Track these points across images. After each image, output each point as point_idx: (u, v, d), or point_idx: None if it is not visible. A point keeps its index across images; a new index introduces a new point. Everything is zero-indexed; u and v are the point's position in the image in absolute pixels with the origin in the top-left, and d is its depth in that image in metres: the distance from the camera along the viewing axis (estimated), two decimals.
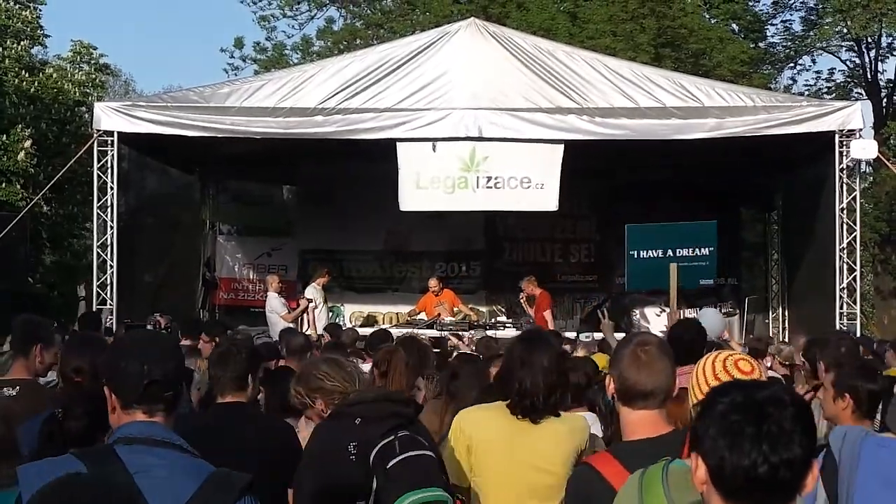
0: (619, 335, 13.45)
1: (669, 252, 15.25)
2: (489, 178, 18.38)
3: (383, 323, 21.75)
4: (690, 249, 15.50)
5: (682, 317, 14.47)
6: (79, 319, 13.92)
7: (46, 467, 3.65)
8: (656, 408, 4.23)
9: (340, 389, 5.47)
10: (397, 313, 23.07)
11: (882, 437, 5.14)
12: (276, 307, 19.43)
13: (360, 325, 20.10)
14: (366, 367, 9.11)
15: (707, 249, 15.58)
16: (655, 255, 15.48)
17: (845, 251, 17.96)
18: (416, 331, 17.78)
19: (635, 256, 15.78)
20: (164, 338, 4.01)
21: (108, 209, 18.55)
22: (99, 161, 18.51)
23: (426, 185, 18.49)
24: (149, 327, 13.41)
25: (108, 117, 18.41)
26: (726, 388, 2.87)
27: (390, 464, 4.58)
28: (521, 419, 5.30)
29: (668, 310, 15.42)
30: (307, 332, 17.07)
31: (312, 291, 19.75)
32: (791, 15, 40.18)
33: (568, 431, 5.30)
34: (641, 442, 4.18)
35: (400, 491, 4.52)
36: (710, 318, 10.95)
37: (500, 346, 12.96)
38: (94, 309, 18.10)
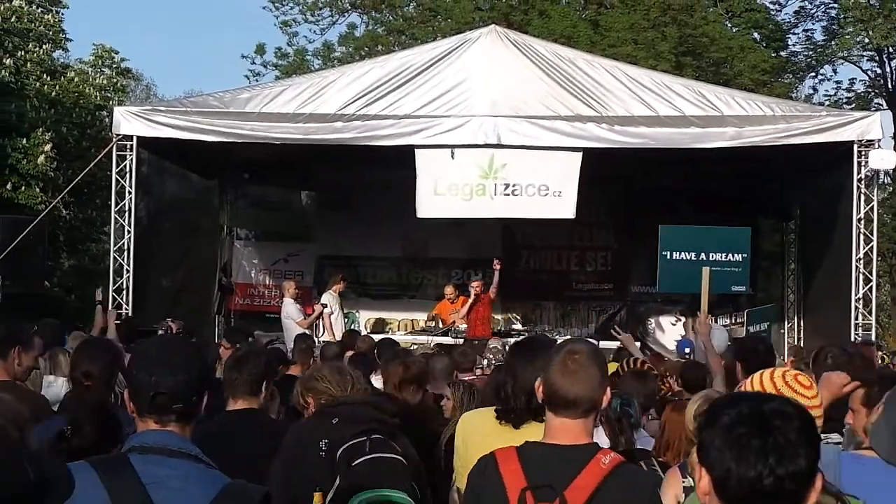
0: (637, 344, 13.48)
1: (703, 256, 15.21)
2: (507, 186, 18.35)
3: (397, 329, 21.75)
4: (724, 255, 15.47)
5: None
6: (118, 325, 13.90)
7: None
8: (579, 417, 4.17)
9: (331, 392, 5.52)
10: (412, 320, 23.04)
11: (857, 453, 5.07)
12: (291, 313, 19.44)
13: (372, 332, 20.04)
14: (374, 378, 9.12)
15: (741, 256, 15.56)
16: (689, 257, 15.44)
17: (862, 261, 17.86)
18: (432, 338, 17.80)
19: (668, 258, 15.75)
20: (180, 347, 3.96)
21: (126, 213, 18.57)
22: (117, 165, 18.54)
23: (444, 192, 18.48)
24: (160, 332, 13.36)
25: (128, 122, 18.45)
26: (732, 399, 2.88)
27: (356, 462, 4.62)
28: (504, 424, 5.29)
29: (683, 319, 15.45)
30: (325, 338, 17.08)
31: (329, 298, 19.76)
32: (812, 24, 40.06)
33: None
34: (551, 447, 4.17)
35: (357, 489, 4.56)
36: (715, 336, 10.99)
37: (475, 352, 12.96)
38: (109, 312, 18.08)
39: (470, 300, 20.14)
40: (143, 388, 3.69)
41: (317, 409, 5.32)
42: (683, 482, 5.62)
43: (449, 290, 20.96)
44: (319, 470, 4.73)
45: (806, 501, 2.71)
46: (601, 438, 7.07)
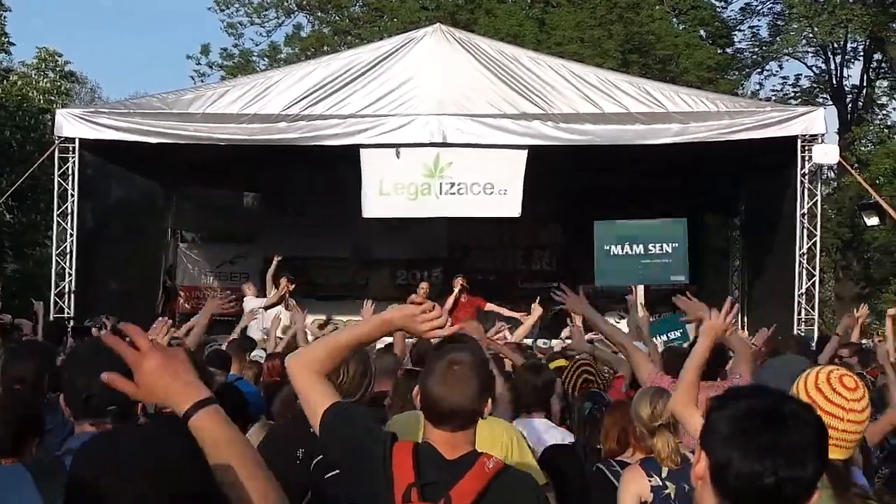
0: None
1: (640, 248, 15.26)
2: (452, 185, 18.34)
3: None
4: (659, 246, 15.51)
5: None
6: (43, 328, 13.77)
7: None
8: (457, 430, 3.88)
9: (344, 389, 5.22)
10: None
11: None
12: (255, 304, 18.74)
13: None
14: None
15: (675, 245, 15.62)
16: (626, 252, 15.49)
17: (805, 256, 17.97)
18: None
19: (608, 252, 15.79)
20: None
21: (69, 217, 18.40)
22: (60, 168, 18.35)
23: (389, 192, 18.43)
24: (94, 329, 13.24)
25: (70, 124, 18.28)
26: (751, 389, 2.80)
27: (328, 475, 4.54)
28: None
29: (627, 317, 15.39)
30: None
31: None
32: (758, 21, 40.39)
33: None
34: (438, 452, 3.85)
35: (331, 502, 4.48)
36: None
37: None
38: (51, 318, 17.82)
39: (452, 296, 19.06)
40: (76, 390, 3.68)
41: (297, 414, 5.15)
42: (650, 480, 5.53)
43: (424, 285, 19.81)
44: (293, 477, 4.62)
45: None
46: (551, 434, 7.01)
